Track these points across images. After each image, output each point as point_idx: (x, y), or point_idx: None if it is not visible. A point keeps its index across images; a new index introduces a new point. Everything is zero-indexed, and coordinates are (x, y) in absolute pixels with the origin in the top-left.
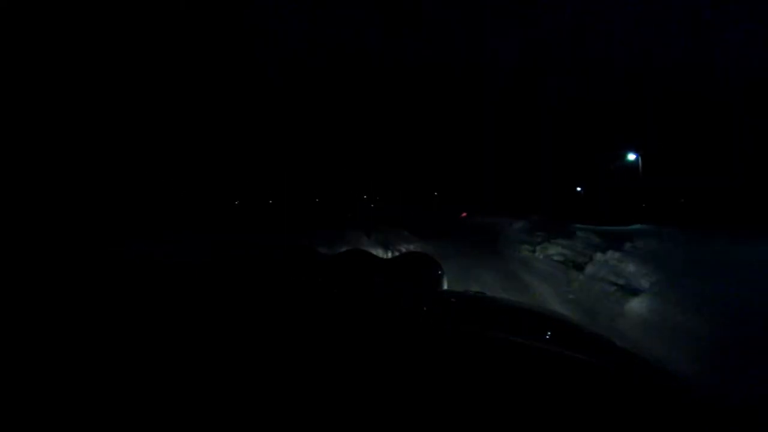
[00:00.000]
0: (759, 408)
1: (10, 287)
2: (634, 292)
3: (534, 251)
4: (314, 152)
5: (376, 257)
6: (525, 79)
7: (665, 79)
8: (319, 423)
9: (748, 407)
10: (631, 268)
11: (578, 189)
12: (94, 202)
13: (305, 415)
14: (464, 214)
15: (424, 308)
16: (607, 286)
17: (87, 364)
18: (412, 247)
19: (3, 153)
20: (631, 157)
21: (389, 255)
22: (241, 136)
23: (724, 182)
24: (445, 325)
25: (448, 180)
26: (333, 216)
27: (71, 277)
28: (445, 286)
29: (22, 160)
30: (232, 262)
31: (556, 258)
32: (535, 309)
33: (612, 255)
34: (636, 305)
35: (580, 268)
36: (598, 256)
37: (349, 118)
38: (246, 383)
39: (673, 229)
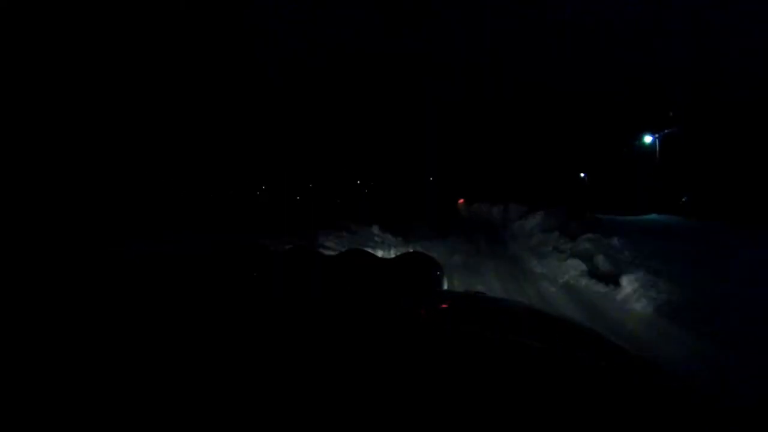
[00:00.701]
0: (759, 408)
1: (10, 287)
2: None
3: (623, 294)
4: (314, 151)
5: (375, 257)
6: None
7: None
8: (319, 423)
9: (748, 407)
10: None
11: (582, 176)
12: (94, 203)
13: (304, 415)
14: (461, 201)
15: (424, 308)
16: None
17: (85, 363)
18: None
19: (3, 153)
20: (647, 139)
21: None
22: (241, 135)
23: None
24: (444, 325)
25: (449, 173)
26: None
27: (71, 277)
28: (445, 286)
29: (22, 160)
30: (229, 260)
31: None
32: (535, 309)
33: None
34: None
35: None
36: None
37: (349, 116)
38: (245, 385)
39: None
